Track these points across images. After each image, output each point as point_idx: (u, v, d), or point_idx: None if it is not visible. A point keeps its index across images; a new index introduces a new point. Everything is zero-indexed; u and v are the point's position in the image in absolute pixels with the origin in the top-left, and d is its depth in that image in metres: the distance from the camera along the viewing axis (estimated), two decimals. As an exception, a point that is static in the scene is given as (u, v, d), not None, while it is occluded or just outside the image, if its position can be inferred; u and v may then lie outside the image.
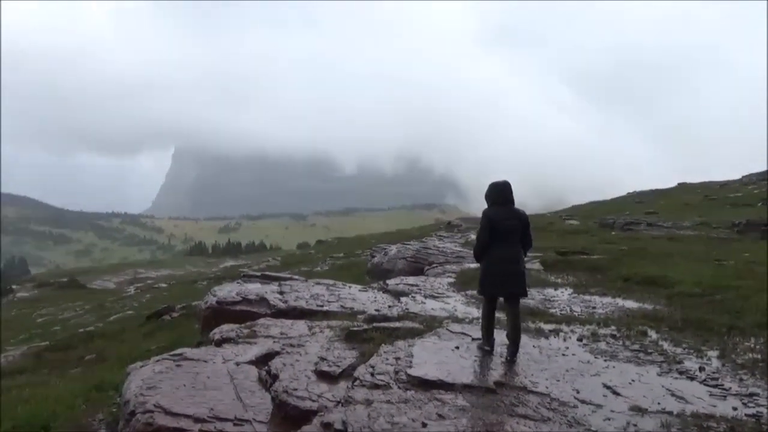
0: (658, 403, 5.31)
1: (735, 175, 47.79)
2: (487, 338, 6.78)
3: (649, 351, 6.97)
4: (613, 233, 25.53)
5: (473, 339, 7.09)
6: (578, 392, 5.52)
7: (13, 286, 60.20)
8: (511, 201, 6.70)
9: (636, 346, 7.16)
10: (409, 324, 8.15)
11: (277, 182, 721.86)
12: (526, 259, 6.88)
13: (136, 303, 34.77)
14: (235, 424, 5.22)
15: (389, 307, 10.13)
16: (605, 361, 6.56)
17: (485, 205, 6.74)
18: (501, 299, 6.80)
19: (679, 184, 52.05)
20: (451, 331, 7.59)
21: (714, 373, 6.23)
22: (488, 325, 6.79)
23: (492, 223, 6.51)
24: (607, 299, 10.85)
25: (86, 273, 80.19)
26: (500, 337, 7.14)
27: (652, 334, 7.79)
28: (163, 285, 49.15)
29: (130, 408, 5.55)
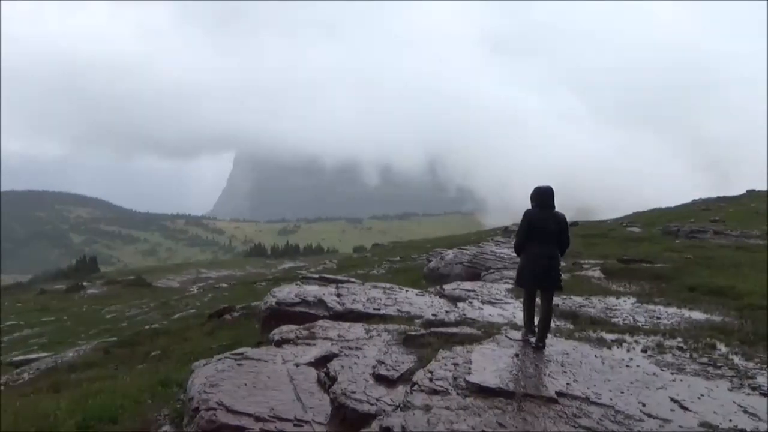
0: (730, 420, 5.09)
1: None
2: (529, 327, 7.38)
3: (719, 365, 6.71)
4: (677, 241, 24.64)
5: (533, 346, 6.99)
6: (644, 405, 5.35)
7: (84, 283, 62.95)
8: (551, 205, 7.17)
9: (704, 360, 6.89)
10: (467, 330, 8.10)
11: (319, 187, 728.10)
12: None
13: (199, 302, 35.76)
14: (295, 425, 5.29)
15: (446, 312, 10.08)
16: (672, 374, 6.34)
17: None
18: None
19: (747, 191, 49.90)
20: (510, 338, 7.49)
21: (790, 390, 5.93)
22: (529, 316, 7.40)
23: (530, 223, 7.13)
24: (672, 309, 10.48)
25: (152, 272, 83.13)
26: (561, 345, 7.02)
27: (722, 347, 7.49)
28: (224, 285, 50.38)
29: (194, 405, 5.71)
